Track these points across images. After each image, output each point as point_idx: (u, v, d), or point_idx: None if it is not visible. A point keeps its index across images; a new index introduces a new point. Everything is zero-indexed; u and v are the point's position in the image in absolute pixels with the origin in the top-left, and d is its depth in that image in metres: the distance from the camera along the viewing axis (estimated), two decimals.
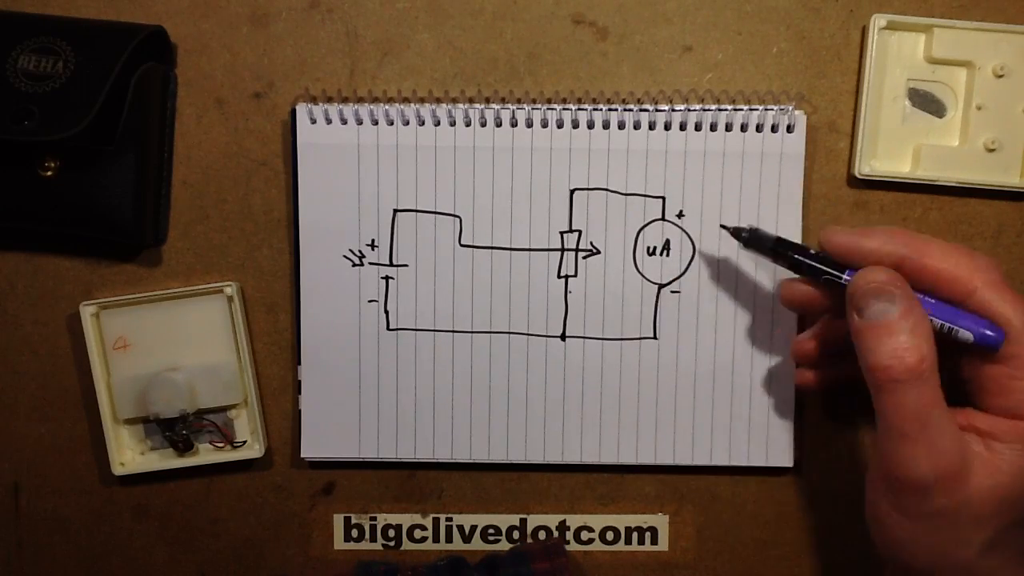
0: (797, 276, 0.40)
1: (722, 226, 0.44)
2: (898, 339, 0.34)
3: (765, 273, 0.46)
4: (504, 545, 0.48)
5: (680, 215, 0.46)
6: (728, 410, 0.46)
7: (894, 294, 0.34)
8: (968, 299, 0.35)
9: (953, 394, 0.36)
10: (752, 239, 0.41)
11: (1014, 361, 0.34)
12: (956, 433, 0.34)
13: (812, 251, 0.39)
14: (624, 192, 0.46)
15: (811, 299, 0.40)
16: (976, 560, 0.34)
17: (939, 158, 0.45)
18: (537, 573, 0.44)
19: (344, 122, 0.45)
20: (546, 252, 0.46)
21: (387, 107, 0.45)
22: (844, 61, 0.46)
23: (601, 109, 0.45)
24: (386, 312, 0.47)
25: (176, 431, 0.46)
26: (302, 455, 0.47)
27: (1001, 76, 0.44)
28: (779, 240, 0.40)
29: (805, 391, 0.45)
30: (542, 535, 0.48)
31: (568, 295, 0.46)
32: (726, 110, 0.45)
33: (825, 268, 0.38)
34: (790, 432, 0.46)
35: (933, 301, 0.35)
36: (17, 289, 0.48)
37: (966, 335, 0.34)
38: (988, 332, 0.34)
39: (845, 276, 0.37)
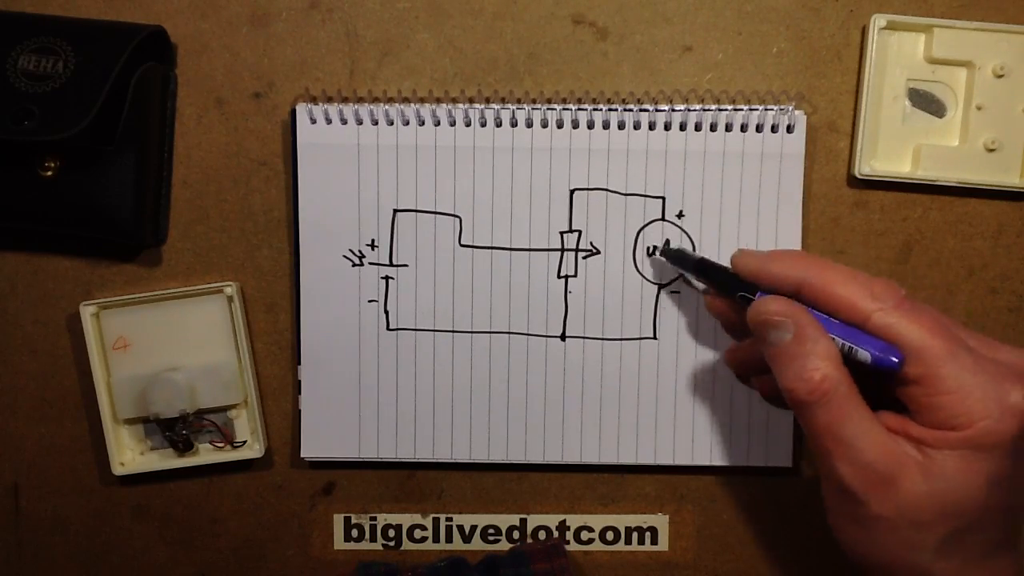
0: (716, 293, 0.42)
1: (653, 248, 0.46)
2: (800, 363, 0.35)
3: None
4: (504, 545, 0.48)
5: (680, 215, 0.46)
6: (728, 410, 0.46)
7: (784, 322, 0.35)
8: (864, 325, 0.35)
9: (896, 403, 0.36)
10: (676, 257, 0.44)
11: (925, 381, 0.34)
12: (880, 441, 0.34)
13: (730, 273, 0.40)
14: (624, 192, 0.46)
15: (728, 313, 0.42)
16: (932, 563, 0.35)
17: (939, 158, 0.45)
18: (537, 574, 0.44)
19: (344, 122, 0.45)
20: (546, 252, 0.46)
21: (387, 107, 0.45)
22: (844, 61, 0.46)
23: (601, 109, 0.45)
24: (386, 312, 0.47)
25: (176, 431, 0.46)
26: (302, 455, 0.47)
27: (1001, 76, 0.44)
28: (701, 260, 0.43)
29: (771, 401, 0.43)
30: (542, 535, 0.48)
31: (568, 295, 0.46)
32: (726, 110, 0.45)
33: (738, 288, 0.39)
34: (790, 432, 0.46)
35: (836, 322, 0.36)
36: (17, 289, 0.48)
37: (864, 355, 0.35)
38: (884, 355, 0.34)
39: (754, 297, 0.38)
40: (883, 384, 0.36)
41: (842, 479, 0.34)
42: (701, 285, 0.46)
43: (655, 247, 0.45)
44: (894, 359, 0.34)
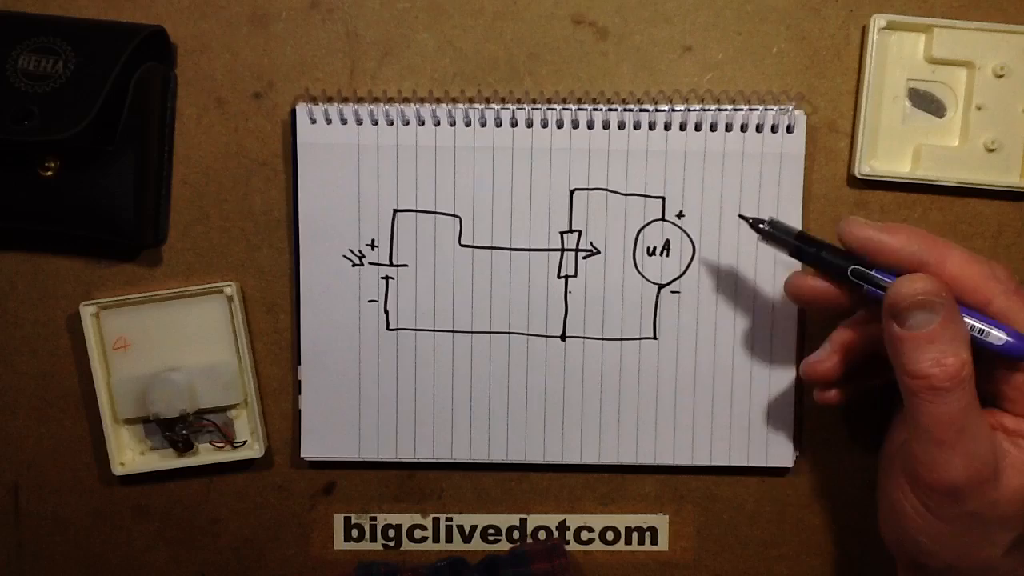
0: (809, 270, 0.39)
1: (740, 216, 0.43)
2: (939, 347, 0.33)
3: (765, 273, 0.46)
4: (504, 545, 0.48)
5: (680, 215, 0.46)
6: (728, 410, 0.46)
7: (936, 303, 0.34)
8: (985, 309, 0.35)
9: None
10: (772, 232, 0.40)
11: None
12: (989, 436, 0.34)
13: (835, 247, 0.38)
14: (624, 192, 0.46)
15: (823, 295, 0.39)
16: (1000, 560, 0.34)
17: (939, 158, 0.45)
18: (537, 574, 0.44)
19: (344, 122, 0.45)
20: (546, 252, 0.46)
21: (387, 107, 0.45)
22: (844, 61, 0.46)
23: (601, 109, 0.45)
24: (386, 312, 0.47)
25: (176, 431, 0.46)
26: (302, 455, 0.47)
27: (1001, 76, 0.44)
28: (800, 234, 0.39)
29: (829, 407, 0.43)
30: (542, 535, 0.48)
31: (568, 295, 0.46)
32: (726, 110, 0.45)
33: (860, 267, 0.37)
34: (790, 432, 0.46)
35: (964, 307, 0.35)
36: (17, 289, 0.48)
37: (998, 337, 0.34)
38: (1014, 340, 0.34)
39: (876, 275, 0.36)
40: (980, 369, 0.35)
41: (951, 471, 0.33)
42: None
43: (755, 220, 0.40)
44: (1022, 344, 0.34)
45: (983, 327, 0.35)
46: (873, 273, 0.37)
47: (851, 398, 0.42)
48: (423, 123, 0.45)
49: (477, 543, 0.48)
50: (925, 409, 0.34)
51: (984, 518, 0.34)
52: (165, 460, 0.47)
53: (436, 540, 0.48)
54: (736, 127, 0.45)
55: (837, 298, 0.39)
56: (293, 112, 0.46)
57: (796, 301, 0.41)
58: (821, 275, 0.39)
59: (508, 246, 0.46)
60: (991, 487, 0.34)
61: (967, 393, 0.33)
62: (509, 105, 0.45)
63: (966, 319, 0.35)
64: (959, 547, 0.35)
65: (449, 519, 0.48)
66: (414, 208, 0.46)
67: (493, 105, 0.45)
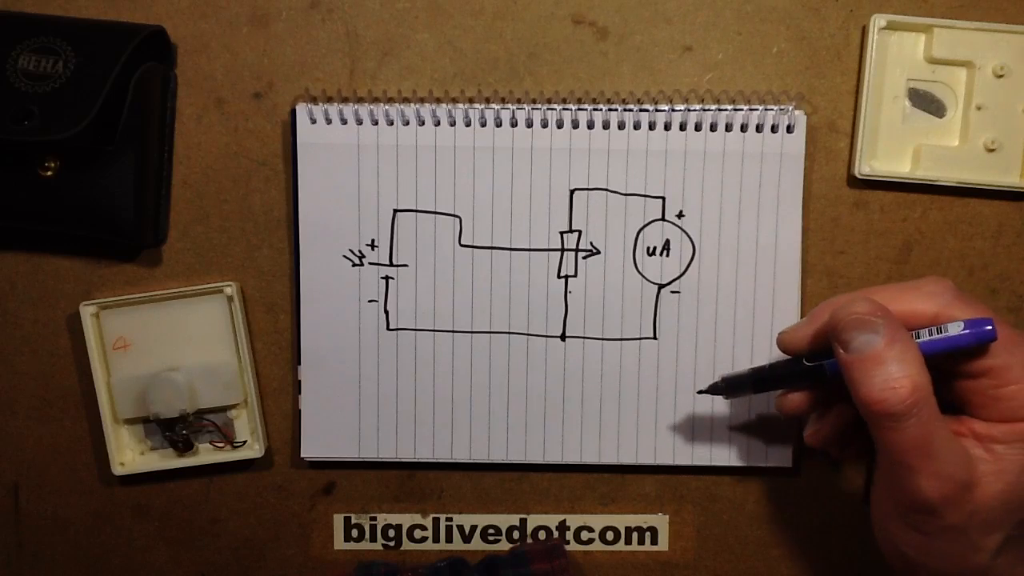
0: (785, 390, 0.40)
1: (698, 392, 0.44)
2: (888, 369, 0.33)
3: (765, 273, 0.46)
4: (504, 545, 0.48)
5: (680, 215, 0.46)
6: (728, 410, 0.46)
7: (877, 323, 0.34)
8: (933, 322, 0.35)
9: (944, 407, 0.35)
10: (730, 387, 0.42)
11: (993, 372, 0.34)
12: (958, 450, 0.33)
13: (786, 360, 0.39)
14: (624, 192, 0.46)
15: (805, 402, 0.40)
16: (991, 563, 0.34)
17: (939, 158, 0.45)
18: (537, 574, 0.44)
19: (344, 122, 0.45)
20: (546, 252, 0.46)
21: (387, 107, 0.45)
22: (844, 61, 0.46)
23: (601, 109, 0.45)
24: (386, 312, 0.47)
25: (176, 431, 0.46)
26: (302, 455, 0.47)
27: (1001, 76, 0.44)
28: (755, 370, 0.41)
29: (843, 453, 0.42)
30: (542, 535, 0.48)
31: (568, 295, 0.46)
32: (726, 110, 0.45)
33: (803, 360, 0.38)
34: (790, 432, 0.46)
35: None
36: (17, 289, 0.48)
37: (957, 327, 0.34)
38: (977, 328, 0.33)
39: (824, 363, 0.37)
40: (941, 382, 0.35)
41: (923, 493, 0.33)
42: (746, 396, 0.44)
43: (711, 386, 0.43)
44: (988, 328, 0.33)
45: (938, 326, 0.34)
46: (823, 362, 0.37)
47: (857, 455, 0.41)
48: (423, 123, 0.45)
49: (477, 543, 0.48)
50: (886, 435, 0.33)
51: (966, 527, 0.34)
52: (165, 460, 0.47)
53: (436, 540, 0.48)
54: (736, 127, 0.45)
55: (817, 398, 0.39)
56: (293, 112, 0.46)
57: (791, 418, 0.41)
58: (795, 389, 0.40)
59: (508, 246, 0.46)
60: (967, 499, 0.33)
61: (926, 413, 0.33)
62: (509, 105, 0.45)
63: (922, 330, 0.35)
64: (947, 557, 0.35)
65: (449, 519, 0.48)
66: (414, 208, 0.46)
67: (493, 105, 0.45)
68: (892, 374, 0.33)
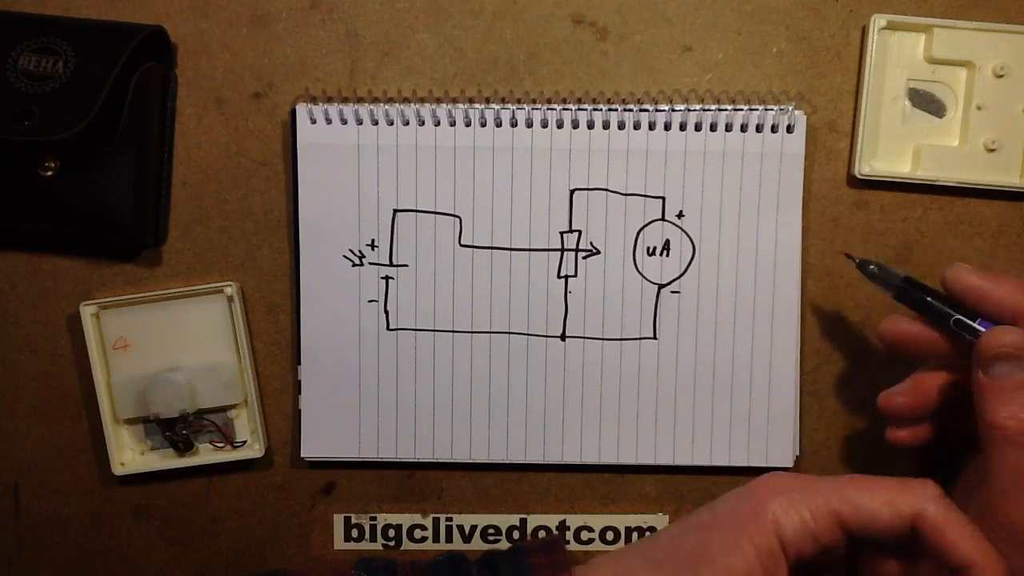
0: (906, 315, 0.40)
1: (847, 256, 0.43)
2: (1020, 401, 0.34)
3: (765, 273, 0.46)
4: (504, 545, 0.48)
5: (680, 215, 0.46)
6: (728, 410, 0.46)
7: (1021, 358, 0.35)
8: None
9: None
10: (879, 274, 0.41)
11: None
12: None
13: (939, 293, 0.39)
14: (624, 192, 0.46)
15: (922, 341, 0.39)
16: None
17: (939, 158, 0.45)
18: (535, 566, 0.44)
19: (344, 122, 0.45)
20: (546, 252, 0.46)
21: (387, 107, 0.45)
22: (844, 61, 0.46)
23: (601, 109, 0.45)
24: (386, 312, 0.47)
25: (176, 431, 0.46)
26: (302, 455, 0.47)
27: (1001, 76, 0.44)
28: (907, 279, 0.40)
29: (898, 447, 0.43)
30: (542, 535, 0.48)
31: (568, 295, 0.46)
32: (726, 110, 0.45)
33: (958, 316, 0.38)
34: (790, 432, 0.46)
35: None
36: (17, 289, 0.48)
37: None
38: None
39: (979, 326, 0.37)
40: None
41: (1010, 518, 0.34)
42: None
43: (862, 260, 0.41)
44: None
45: None
46: (976, 324, 0.37)
47: (922, 442, 0.42)
48: (423, 123, 0.45)
49: (477, 543, 0.48)
50: (998, 457, 0.34)
51: None
52: (165, 460, 0.47)
53: (436, 540, 0.48)
54: (736, 127, 0.45)
55: (936, 345, 0.39)
56: (293, 112, 0.46)
57: (891, 345, 0.41)
58: (921, 321, 0.39)
59: (508, 246, 0.46)
60: None
61: None
62: (509, 105, 0.45)
63: None
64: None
65: (449, 519, 0.48)
66: (414, 208, 0.46)
67: (493, 105, 0.45)
68: (1021, 406, 0.34)
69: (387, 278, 0.46)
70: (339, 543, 0.49)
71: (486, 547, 0.48)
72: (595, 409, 0.47)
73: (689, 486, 0.48)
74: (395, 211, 0.46)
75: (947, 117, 0.46)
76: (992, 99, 0.45)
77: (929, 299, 0.39)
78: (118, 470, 0.47)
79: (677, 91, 0.46)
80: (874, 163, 0.45)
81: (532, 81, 0.46)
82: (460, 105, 0.45)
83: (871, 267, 0.41)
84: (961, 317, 0.37)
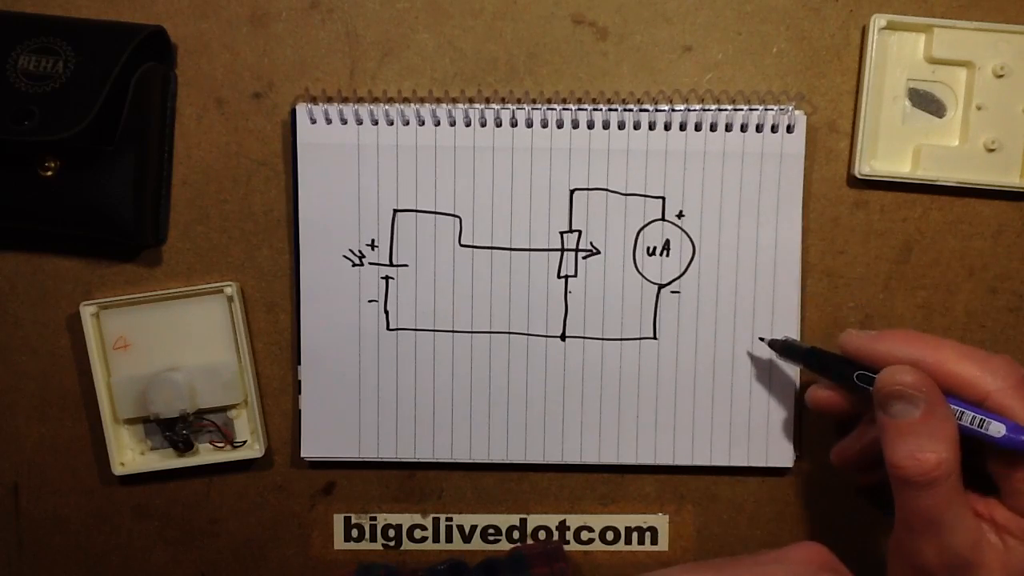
0: (824, 382, 0.41)
1: (760, 338, 0.45)
2: (916, 441, 0.34)
3: (765, 273, 0.46)
4: (504, 545, 0.48)
5: (680, 215, 0.46)
6: (728, 410, 0.46)
7: (916, 396, 0.35)
8: (982, 403, 0.35)
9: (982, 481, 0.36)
10: (787, 350, 0.43)
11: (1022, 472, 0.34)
12: (970, 529, 0.34)
13: (841, 356, 0.40)
14: (624, 192, 0.46)
15: (836, 402, 0.41)
16: None
17: (939, 158, 0.45)
18: None
19: (344, 122, 0.45)
20: (546, 252, 0.46)
21: (387, 107, 0.45)
22: (844, 61, 0.46)
23: (601, 109, 0.45)
24: (386, 312, 0.47)
25: (176, 431, 0.46)
26: (302, 455, 0.47)
27: (1001, 76, 0.44)
28: (811, 349, 0.42)
29: (867, 496, 0.44)
30: (542, 535, 0.48)
31: (568, 295, 0.46)
32: (726, 110, 0.45)
33: (855, 369, 0.39)
34: (790, 432, 0.46)
35: (962, 401, 0.35)
36: (17, 289, 0.48)
37: (997, 429, 0.34)
38: (1017, 435, 0.34)
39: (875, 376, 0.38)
40: (975, 459, 0.35)
41: (923, 559, 0.34)
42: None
43: (772, 340, 0.45)
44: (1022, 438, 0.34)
45: (983, 418, 0.35)
46: (874, 376, 0.37)
47: (880, 484, 0.41)
48: (423, 123, 0.45)
49: (477, 543, 0.48)
50: (902, 498, 0.35)
51: None
52: (165, 460, 0.47)
53: (436, 540, 0.48)
54: (736, 127, 0.45)
55: (851, 405, 0.40)
56: (293, 112, 0.46)
57: (817, 411, 0.42)
58: (833, 386, 0.41)
59: (508, 246, 0.46)
60: (971, 574, 0.34)
61: (943, 490, 0.33)
62: (509, 105, 0.45)
63: (965, 411, 0.35)
64: None
65: (449, 519, 0.48)
66: (414, 208, 0.46)
67: (493, 105, 0.45)
68: (921, 446, 0.34)
69: (387, 278, 0.46)
70: (339, 543, 0.49)
71: (486, 547, 0.48)
72: (595, 409, 0.47)
73: (689, 486, 0.48)
74: (395, 211, 0.46)
75: (947, 117, 0.46)
76: (992, 99, 0.45)
77: (832, 364, 0.40)
78: (118, 470, 0.47)
79: (677, 91, 0.46)
80: (874, 163, 0.45)
81: (532, 81, 0.46)
82: (460, 105, 0.45)
83: (779, 344, 0.44)
84: (863, 371, 0.38)
